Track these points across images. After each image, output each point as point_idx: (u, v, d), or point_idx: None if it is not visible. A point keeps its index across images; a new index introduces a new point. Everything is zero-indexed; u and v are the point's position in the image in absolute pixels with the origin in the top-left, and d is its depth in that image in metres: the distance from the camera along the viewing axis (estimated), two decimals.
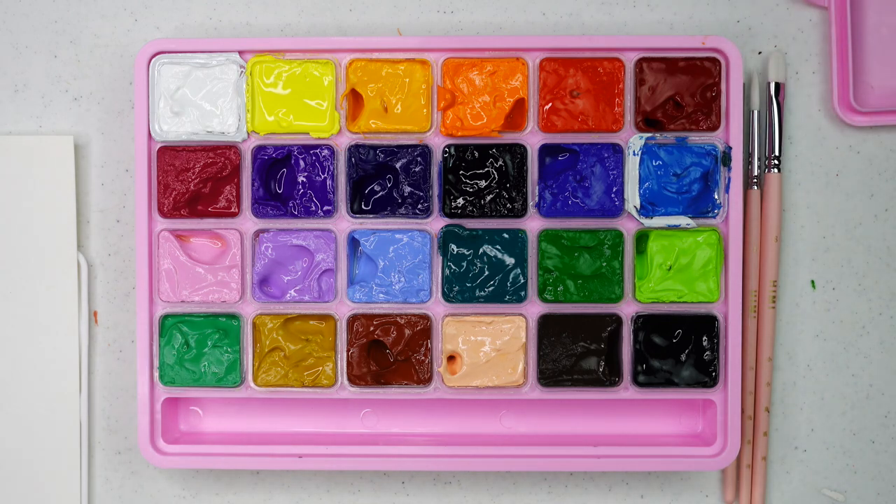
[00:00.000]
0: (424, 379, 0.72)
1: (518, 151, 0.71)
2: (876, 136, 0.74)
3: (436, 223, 0.72)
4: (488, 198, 0.72)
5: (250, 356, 0.72)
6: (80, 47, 0.75)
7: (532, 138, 0.71)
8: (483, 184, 0.72)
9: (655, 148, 0.71)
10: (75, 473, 0.74)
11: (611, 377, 0.72)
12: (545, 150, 0.72)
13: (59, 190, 0.73)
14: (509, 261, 0.71)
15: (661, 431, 0.74)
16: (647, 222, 0.71)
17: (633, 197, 0.71)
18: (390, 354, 0.72)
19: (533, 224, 0.72)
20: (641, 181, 0.71)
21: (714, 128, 0.71)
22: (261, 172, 0.72)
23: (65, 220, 0.73)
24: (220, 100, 0.71)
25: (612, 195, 0.71)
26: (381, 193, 0.72)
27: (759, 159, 0.73)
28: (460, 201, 0.72)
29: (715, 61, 0.71)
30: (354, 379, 0.72)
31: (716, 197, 0.71)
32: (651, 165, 0.71)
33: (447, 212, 0.72)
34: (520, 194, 0.71)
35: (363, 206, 0.72)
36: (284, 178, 0.73)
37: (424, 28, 0.74)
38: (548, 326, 0.72)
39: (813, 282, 0.75)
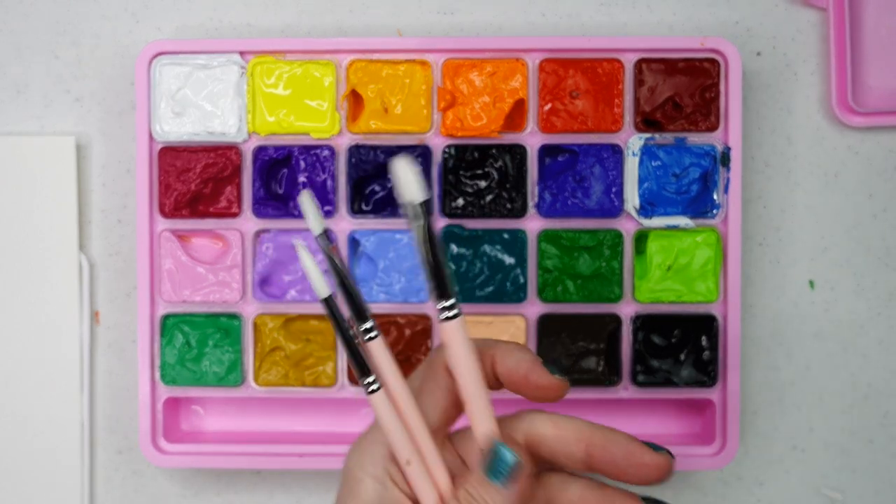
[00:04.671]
0: None
1: (518, 152, 0.71)
2: (875, 136, 0.75)
3: (436, 223, 0.72)
4: (488, 198, 0.72)
5: (251, 356, 0.72)
6: (81, 48, 0.75)
7: (532, 139, 0.72)
8: (483, 184, 0.72)
9: (654, 148, 0.71)
10: (76, 473, 0.74)
11: (610, 377, 0.72)
12: (545, 151, 0.72)
13: (61, 190, 0.73)
14: (509, 261, 0.72)
15: (661, 431, 0.74)
16: (647, 222, 0.71)
17: (632, 197, 0.71)
18: None
19: (533, 224, 0.72)
20: (641, 181, 0.71)
21: (713, 128, 0.71)
22: (261, 173, 0.72)
23: (66, 220, 0.74)
24: (221, 100, 0.72)
25: (612, 195, 0.71)
26: (381, 194, 0.72)
27: None
28: (460, 201, 0.72)
29: (714, 62, 0.71)
30: (355, 379, 0.72)
31: (715, 197, 0.71)
32: (650, 166, 0.71)
33: (447, 212, 0.72)
34: (520, 194, 0.71)
35: (363, 207, 0.72)
36: (285, 179, 0.73)
37: (424, 29, 0.75)
38: (547, 326, 0.72)
39: (812, 282, 0.75)
